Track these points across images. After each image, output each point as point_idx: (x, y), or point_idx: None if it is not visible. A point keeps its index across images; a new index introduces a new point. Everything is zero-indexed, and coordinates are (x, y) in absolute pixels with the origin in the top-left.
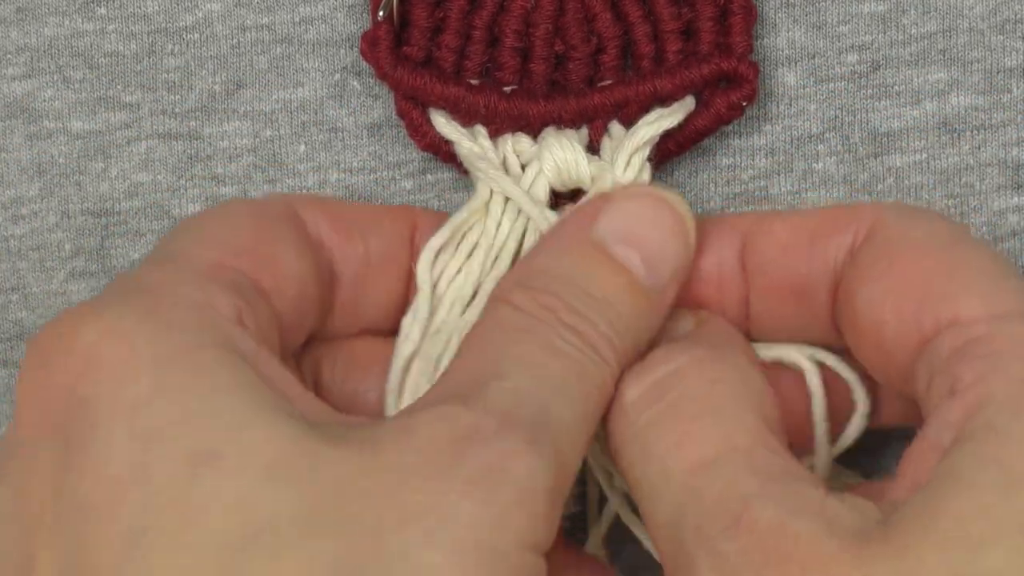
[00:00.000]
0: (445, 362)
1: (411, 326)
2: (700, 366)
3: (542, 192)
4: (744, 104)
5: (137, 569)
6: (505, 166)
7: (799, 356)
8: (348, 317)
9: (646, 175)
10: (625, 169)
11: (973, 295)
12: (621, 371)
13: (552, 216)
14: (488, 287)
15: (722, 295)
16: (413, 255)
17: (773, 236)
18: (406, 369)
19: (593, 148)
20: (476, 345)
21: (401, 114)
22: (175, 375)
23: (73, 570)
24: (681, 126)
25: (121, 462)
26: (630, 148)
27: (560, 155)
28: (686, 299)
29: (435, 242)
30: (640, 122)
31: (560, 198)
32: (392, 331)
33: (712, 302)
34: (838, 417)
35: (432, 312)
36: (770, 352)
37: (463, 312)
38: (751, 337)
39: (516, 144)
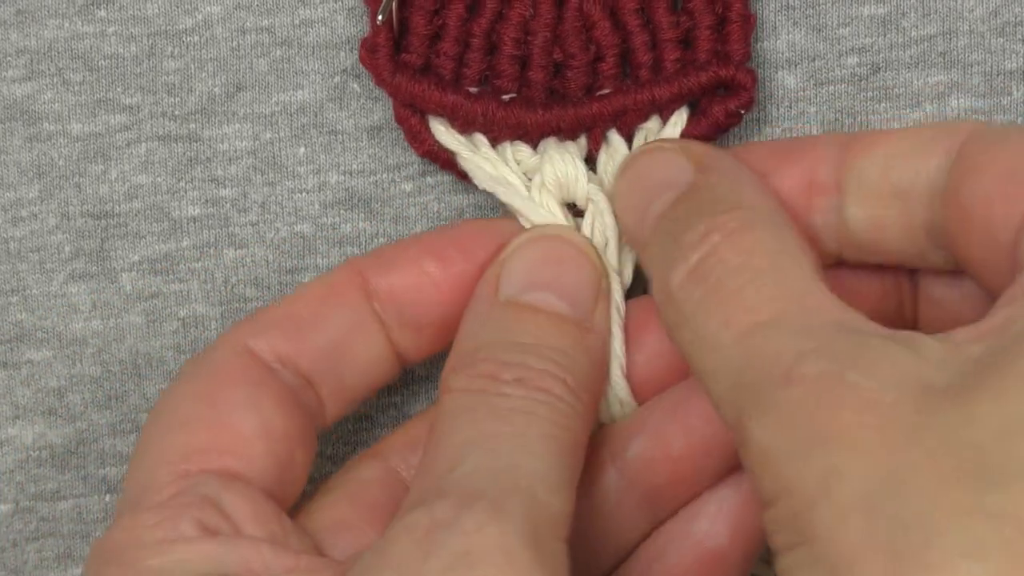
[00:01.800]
0: None
1: None
2: (732, 239)
3: (554, 207)
4: (742, 112)
5: None
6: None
7: None
8: (341, 402)
9: None
10: None
11: None
12: (588, 397)
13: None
14: None
15: (811, 204)
16: (371, 298)
17: (877, 146)
18: None
19: (592, 157)
20: (431, 445)
21: (400, 121)
22: None
23: None
24: (680, 135)
25: None
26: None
27: (562, 170)
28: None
29: None
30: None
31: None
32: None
33: (801, 212)
34: None
35: None
36: None
37: None
38: (843, 249)
39: (516, 153)
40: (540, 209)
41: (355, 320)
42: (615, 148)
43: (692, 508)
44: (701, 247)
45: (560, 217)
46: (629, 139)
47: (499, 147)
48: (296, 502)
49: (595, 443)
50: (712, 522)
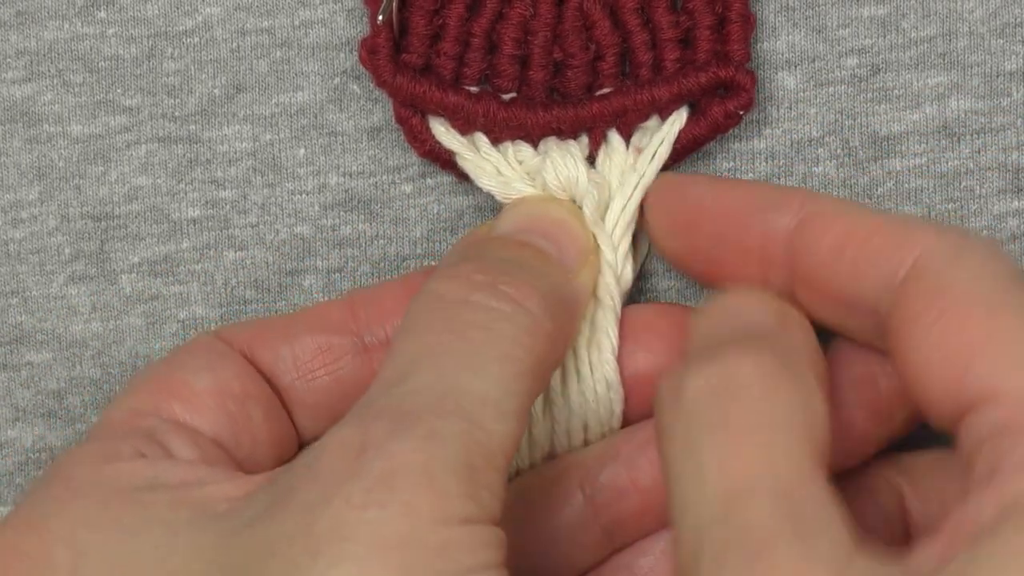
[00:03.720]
0: None
1: None
2: (765, 378)
3: None
4: (741, 113)
5: None
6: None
7: None
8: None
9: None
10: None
11: (1013, 367)
12: (558, 325)
13: None
14: None
15: (766, 274)
16: (359, 331)
17: (826, 238)
18: None
19: (593, 156)
20: (390, 351)
21: (400, 121)
22: (90, 540)
23: None
24: (677, 135)
25: None
26: (630, 185)
27: (563, 171)
28: (727, 269)
29: None
30: (640, 157)
31: None
32: None
33: (755, 278)
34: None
35: None
36: None
37: None
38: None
39: (518, 153)
40: None
41: (332, 343)
42: (613, 147)
43: (642, 544)
44: (727, 363)
45: None
46: (629, 138)
47: (500, 147)
48: (263, 467)
49: (567, 466)
50: (657, 560)
